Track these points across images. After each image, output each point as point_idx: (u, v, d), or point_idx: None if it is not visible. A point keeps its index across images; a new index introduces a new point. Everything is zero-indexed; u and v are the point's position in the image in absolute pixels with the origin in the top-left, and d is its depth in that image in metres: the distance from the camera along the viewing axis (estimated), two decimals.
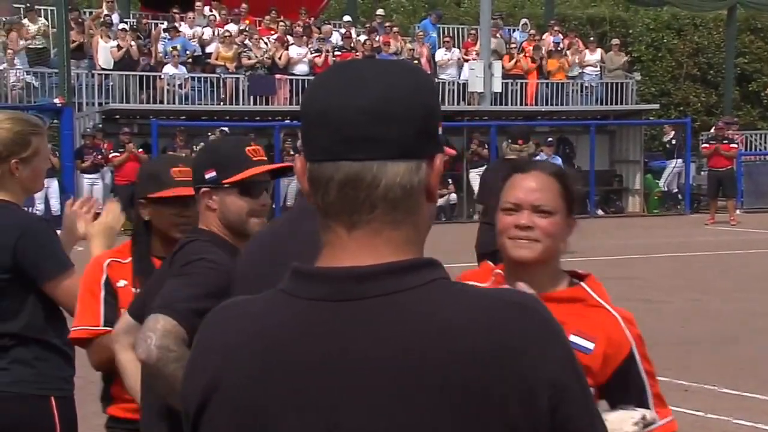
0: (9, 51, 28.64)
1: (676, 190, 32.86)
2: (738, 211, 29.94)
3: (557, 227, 3.57)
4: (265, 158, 4.15)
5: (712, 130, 31.98)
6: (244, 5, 32.68)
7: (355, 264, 2.00)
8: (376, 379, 1.96)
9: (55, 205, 24.75)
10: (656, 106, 36.88)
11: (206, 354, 2.10)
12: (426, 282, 1.99)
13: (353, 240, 2.01)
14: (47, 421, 5.06)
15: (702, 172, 32.35)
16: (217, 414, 2.06)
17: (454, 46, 34.19)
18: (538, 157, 23.05)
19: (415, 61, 32.52)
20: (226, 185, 3.97)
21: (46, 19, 29.95)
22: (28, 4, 30.73)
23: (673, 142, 32.50)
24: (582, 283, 3.67)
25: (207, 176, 4.02)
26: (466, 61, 33.37)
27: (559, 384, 1.98)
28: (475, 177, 30.83)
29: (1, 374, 5.00)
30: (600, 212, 31.85)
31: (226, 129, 27.50)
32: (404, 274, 1.99)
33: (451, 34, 35.39)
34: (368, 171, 1.97)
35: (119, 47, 29.53)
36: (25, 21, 30.02)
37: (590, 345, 3.54)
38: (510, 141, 12.40)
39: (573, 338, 3.36)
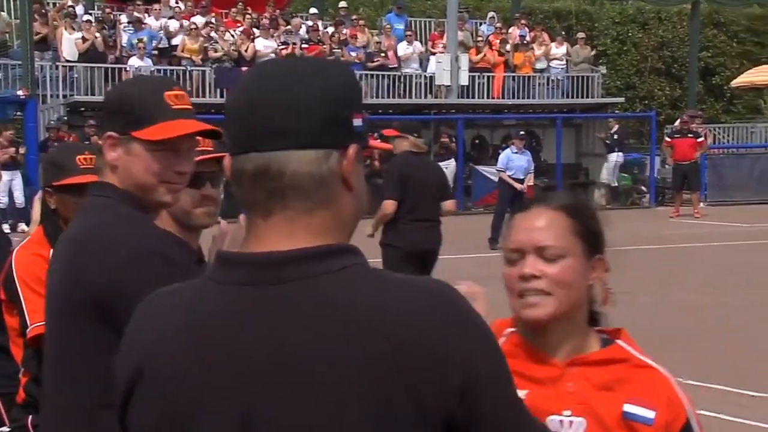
0: None
1: (615, 184, 32.86)
2: (702, 204, 30.08)
3: (573, 273, 2.88)
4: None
5: (677, 123, 32.04)
6: None
7: (273, 249, 2.04)
8: (295, 367, 1.99)
9: (19, 197, 24.40)
10: (621, 99, 37.16)
11: (133, 342, 2.16)
12: (344, 267, 2.04)
13: (270, 227, 2.07)
14: None
15: (666, 166, 32.37)
16: (141, 401, 2.11)
17: (417, 40, 34.24)
18: (507, 152, 23.10)
19: (382, 54, 32.46)
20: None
21: (8, 12, 29.78)
22: None
23: (615, 136, 32.56)
24: (618, 341, 3.00)
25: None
26: (433, 54, 33.38)
27: (473, 369, 2.02)
28: (447, 166, 30.98)
29: None
30: None
31: None
32: (321, 259, 2.03)
33: (418, 27, 35.27)
34: (273, 161, 2.04)
35: (84, 39, 29.35)
36: None
37: (651, 414, 2.92)
38: (416, 134, 12.10)
39: (629, 408, 2.90)
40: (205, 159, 3.88)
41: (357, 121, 2.12)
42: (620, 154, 32.37)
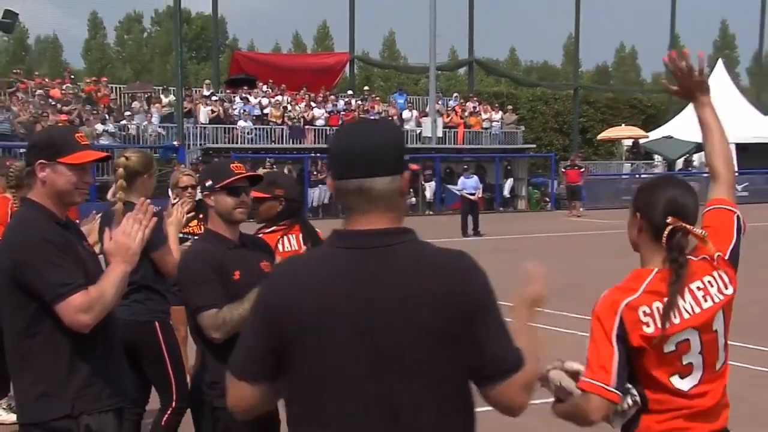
0: (148, 114, 28.54)
1: (509, 196, 32.70)
2: (582, 209, 29.86)
3: None
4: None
5: (568, 161, 31.96)
6: (283, 85, 32.33)
7: (370, 227, 2.09)
8: (392, 296, 2.02)
9: None
10: (534, 146, 36.81)
11: (284, 291, 2.11)
12: (411, 239, 2.11)
13: (367, 218, 2.10)
14: (154, 337, 4.97)
15: (561, 185, 32.24)
16: (288, 327, 2.08)
17: (414, 109, 33.90)
18: (462, 178, 23.21)
19: (390, 119, 32.38)
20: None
21: (173, 95, 29.67)
22: (164, 86, 30.55)
23: (509, 168, 32.57)
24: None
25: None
26: (422, 118, 33.03)
27: (483, 299, 2.09)
28: (427, 188, 31.00)
29: (124, 309, 4.83)
30: (501, 209, 31.64)
31: (271, 160, 27.10)
32: (399, 234, 2.10)
33: (414, 101, 35.22)
34: (367, 183, 2.08)
35: (212, 111, 29.27)
36: (162, 96, 30.01)
37: None
38: None
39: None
40: (241, 178, 3.81)
41: (406, 156, 2.18)
42: (511, 179, 32.53)
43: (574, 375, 2.68)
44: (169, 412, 5.00)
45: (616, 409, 2.63)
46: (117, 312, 3.28)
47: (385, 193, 2.09)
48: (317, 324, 2.05)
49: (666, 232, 2.61)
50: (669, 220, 2.62)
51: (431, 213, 30.16)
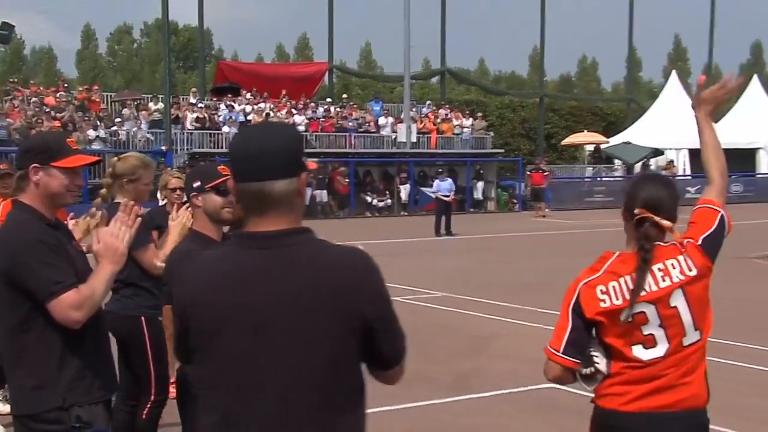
0: (138, 121, 28.30)
1: (481, 198, 32.72)
2: (547, 210, 29.94)
3: None
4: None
5: (534, 165, 32.02)
6: (266, 93, 32.22)
7: (269, 229, 2.06)
8: (285, 294, 1.99)
9: None
10: (502, 150, 37.03)
11: (185, 286, 2.12)
12: (308, 239, 2.07)
13: (265, 219, 2.06)
14: (139, 331, 4.96)
15: (527, 188, 32.31)
16: (194, 321, 2.07)
17: (389, 116, 33.84)
18: (437, 181, 23.18)
19: (368, 124, 32.39)
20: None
21: (161, 102, 29.41)
22: (153, 94, 30.29)
23: (482, 171, 32.57)
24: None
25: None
26: (397, 124, 33.03)
27: (379, 294, 2.06)
28: (402, 190, 31.00)
29: (115, 304, 4.86)
30: (472, 210, 31.67)
31: None
32: (296, 234, 2.06)
33: (390, 108, 35.21)
34: (265, 186, 2.04)
35: (198, 118, 29.12)
36: (151, 103, 29.70)
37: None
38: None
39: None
40: (229, 178, 3.76)
41: (303, 158, 2.13)
42: (482, 182, 32.55)
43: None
44: (149, 405, 4.97)
45: (581, 372, 2.87)
46: (108, 306, 3.27)
47: (283, 195, 2.05)
48: (214, 322, 2.03)
49: (634, 221, 2.83)
50: (637, 211, 2.83)
51: (406, 214, 30.17)
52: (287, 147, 2.08)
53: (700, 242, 2.86)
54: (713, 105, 3.13)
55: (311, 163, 2.33)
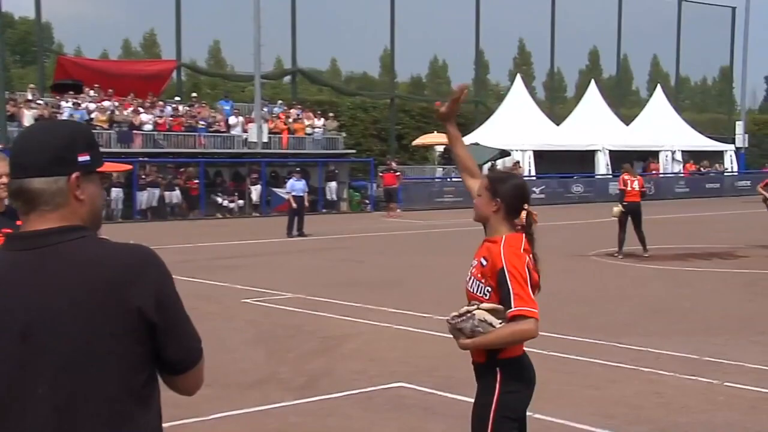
0: None
1: (335, 198, 32.94)
2: (399, 210, 30.45)
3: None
4: None
5: (385, 165, 32.48)
6: (110, 90, 31.23)
7: (36, 228, 1.98)
8: (55, 294, 1.90)
9: None
10: (354, 151, 37.34)
11: None
12: (78, 237, 1.97)
13: (32, 219, 1.99)
14: None
15: (379, 188, 32.73)
16: None
17: (240, 115, 33.49)
18: (292, 180, 23.12)
19: (217, 124, 31.93)
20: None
21: None
22: None
23: (336, 171, 32.80)
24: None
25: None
26: (248, 124, 32.70)
27: (159, 290, 1.96)
28: (253, 191, 30.76)
29: None
30: (324, 211, 31.76)
31: None
32: (62, 234, 1.97)
33: (240, 107, 34.80)
34: (24, 184, 1.98)
35: (38, 116, 27.74)
36: None
37: (484, 261, 3.50)
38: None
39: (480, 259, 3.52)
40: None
41: (82, 158, 2.02)
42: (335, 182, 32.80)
43: (493, 312, 3.34)
44: None
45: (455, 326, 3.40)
46: None
47: (45, 194, 1.97)
48: None
49: (524, 215, 3.53)
50: (525, 206, 3.57)
51: (257, 215, 29.95)
52: (54, 144, 1.99)
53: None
54: (455, 115, 3.95)
55: (114, 165, 2.20)
